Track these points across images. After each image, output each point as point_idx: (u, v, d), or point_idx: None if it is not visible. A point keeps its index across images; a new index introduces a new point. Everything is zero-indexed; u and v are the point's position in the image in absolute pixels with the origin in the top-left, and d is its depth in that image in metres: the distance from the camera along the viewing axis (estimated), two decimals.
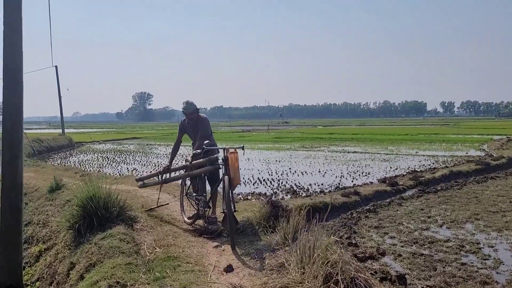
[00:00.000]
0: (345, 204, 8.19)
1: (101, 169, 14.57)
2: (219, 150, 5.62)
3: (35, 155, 19.80)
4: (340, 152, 20.21)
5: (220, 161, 5.54)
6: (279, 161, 16.34)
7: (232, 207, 5.00)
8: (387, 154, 18.79)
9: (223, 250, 4.71)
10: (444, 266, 5.06)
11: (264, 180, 11.61)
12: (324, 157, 17.92)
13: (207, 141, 5.66)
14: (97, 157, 19.54)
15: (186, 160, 5.97)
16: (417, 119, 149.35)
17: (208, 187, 5.94)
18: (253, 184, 11.00)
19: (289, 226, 4.56)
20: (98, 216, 5.21)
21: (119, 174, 13.02)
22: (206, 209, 5.65)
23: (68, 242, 5.36)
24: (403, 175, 11.83)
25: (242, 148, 5.50)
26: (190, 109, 5.92)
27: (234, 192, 5.38)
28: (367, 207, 8.13)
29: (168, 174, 6.15)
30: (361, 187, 9.87)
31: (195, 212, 5.78)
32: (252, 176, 12.31)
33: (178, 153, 6.60)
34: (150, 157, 19.20)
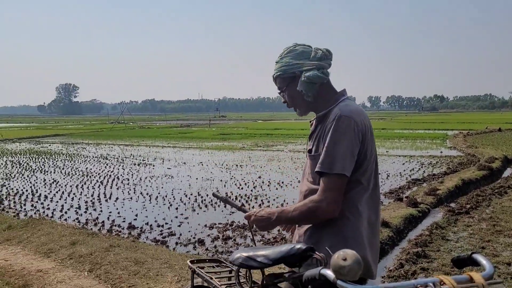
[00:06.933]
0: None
1: (6, 182, 10.76)
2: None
3: None
4: (303, 152, 17.76)
5: None
6: (241, 166, 13.49)
7: None
8: None
9: None
10: None
11: (236, 197, 8.73)
12: (290, 159, 15.35)
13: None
14: (5, 162, 15.34)
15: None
16: None
17: None
18: (225, 206, 8.05)
19: None
20: None
21: (24, 202, 9.44)
22: None
23: None
24: (408, 186, 9.55)
25: None
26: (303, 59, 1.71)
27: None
28: (413, 249, 5.53)
29: None
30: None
31: None
32: (217, 191, 9.34)
33: None
34: (76, 161, 15.40)
